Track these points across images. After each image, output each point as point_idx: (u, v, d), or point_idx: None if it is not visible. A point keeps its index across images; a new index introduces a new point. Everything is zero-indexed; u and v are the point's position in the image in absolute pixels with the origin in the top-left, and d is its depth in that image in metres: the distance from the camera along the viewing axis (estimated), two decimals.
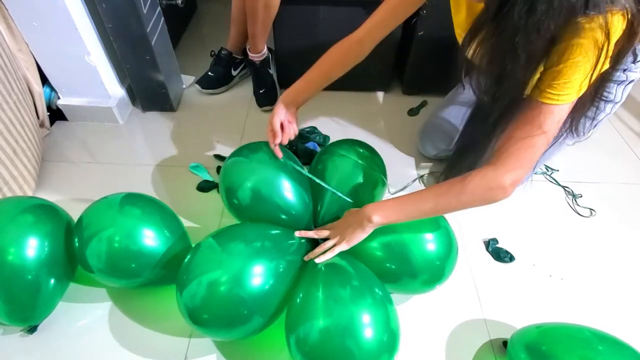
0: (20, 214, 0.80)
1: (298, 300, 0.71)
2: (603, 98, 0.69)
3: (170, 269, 0.82)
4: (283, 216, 0.86)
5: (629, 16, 0.55)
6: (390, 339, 0.68)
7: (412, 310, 0.91)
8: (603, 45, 0.56)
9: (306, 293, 0.71)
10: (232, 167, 0.90)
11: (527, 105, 0.64)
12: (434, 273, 0.80)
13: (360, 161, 0.92)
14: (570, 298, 0.95)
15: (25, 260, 0.76)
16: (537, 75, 0.64)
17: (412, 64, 1.36)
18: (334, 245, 0.77)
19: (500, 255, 1.01)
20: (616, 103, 0.88)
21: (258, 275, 0.71)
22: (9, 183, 0.99)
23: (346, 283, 0.70)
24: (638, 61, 0.80)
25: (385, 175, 0.97)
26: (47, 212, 0.84)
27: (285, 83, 1.44)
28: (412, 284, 0.81)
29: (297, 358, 0.68)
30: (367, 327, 0.66)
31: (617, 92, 0.86)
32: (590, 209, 1.13)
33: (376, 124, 1.36)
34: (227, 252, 0.72)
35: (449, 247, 0.81)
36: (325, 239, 0.81)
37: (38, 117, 1.21)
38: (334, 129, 1.33)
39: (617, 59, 0.61)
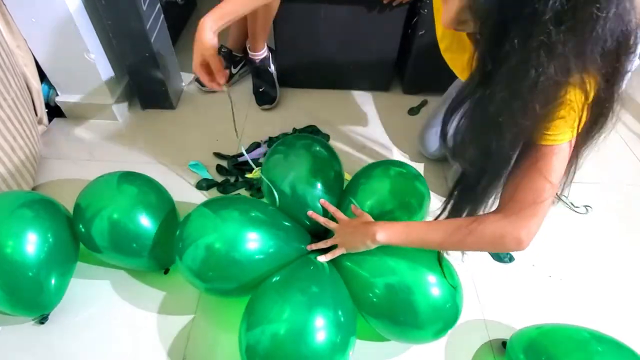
0: (20, 208, 0.80)
1: (262, 291, 0.73)
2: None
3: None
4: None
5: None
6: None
7: None
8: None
9: (274, 289, 0.73)
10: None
11: (528, 151, 0.60)
12: (447, 320, 0.76)
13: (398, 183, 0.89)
14: (570, 298, 0.95)
15: (26, 256, 0.76)
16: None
17: (413, 63, 1.35)
18: (335, 246, 0.81)
19: (500, 255, 1.01)
20: None
21: (253, 241, 0.77)
22: (7, 180, 0.98)
23: (312, 292, 0.71)
24: (631, 52, 0.78)
25: (427, 194, 0.91)
26: (46, 206, 0.84)
27: (286, 82, 1.44)
28: (420, 333, 0.77)
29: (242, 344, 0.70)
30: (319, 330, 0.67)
31: None
32: (586, 206, 1.14)
33: (376, 124, 1.36)
34: (222, 218, 0.78)
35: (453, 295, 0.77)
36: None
37: (36, 114, 1.20)
38: (334, 128, 1.33)
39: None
